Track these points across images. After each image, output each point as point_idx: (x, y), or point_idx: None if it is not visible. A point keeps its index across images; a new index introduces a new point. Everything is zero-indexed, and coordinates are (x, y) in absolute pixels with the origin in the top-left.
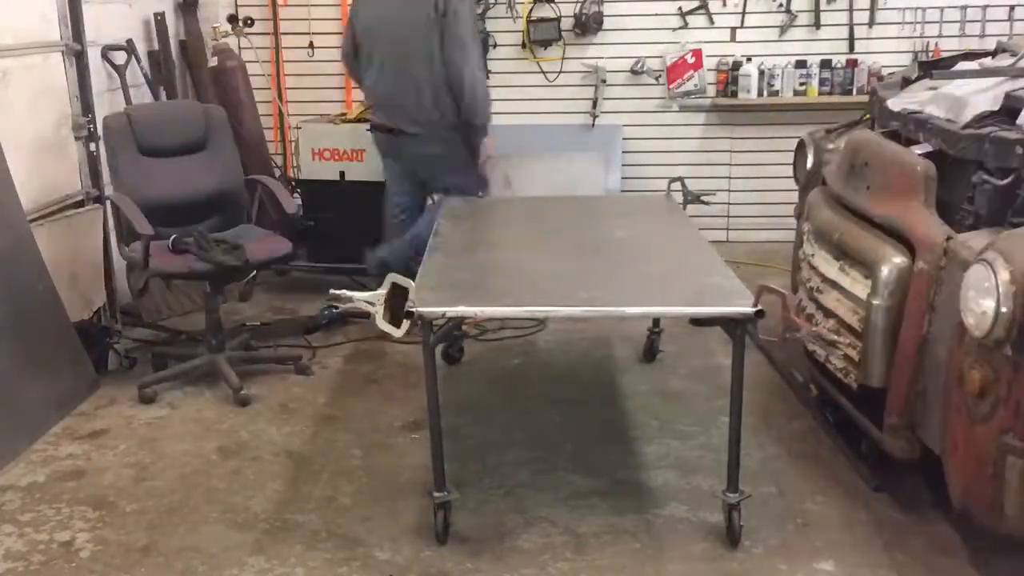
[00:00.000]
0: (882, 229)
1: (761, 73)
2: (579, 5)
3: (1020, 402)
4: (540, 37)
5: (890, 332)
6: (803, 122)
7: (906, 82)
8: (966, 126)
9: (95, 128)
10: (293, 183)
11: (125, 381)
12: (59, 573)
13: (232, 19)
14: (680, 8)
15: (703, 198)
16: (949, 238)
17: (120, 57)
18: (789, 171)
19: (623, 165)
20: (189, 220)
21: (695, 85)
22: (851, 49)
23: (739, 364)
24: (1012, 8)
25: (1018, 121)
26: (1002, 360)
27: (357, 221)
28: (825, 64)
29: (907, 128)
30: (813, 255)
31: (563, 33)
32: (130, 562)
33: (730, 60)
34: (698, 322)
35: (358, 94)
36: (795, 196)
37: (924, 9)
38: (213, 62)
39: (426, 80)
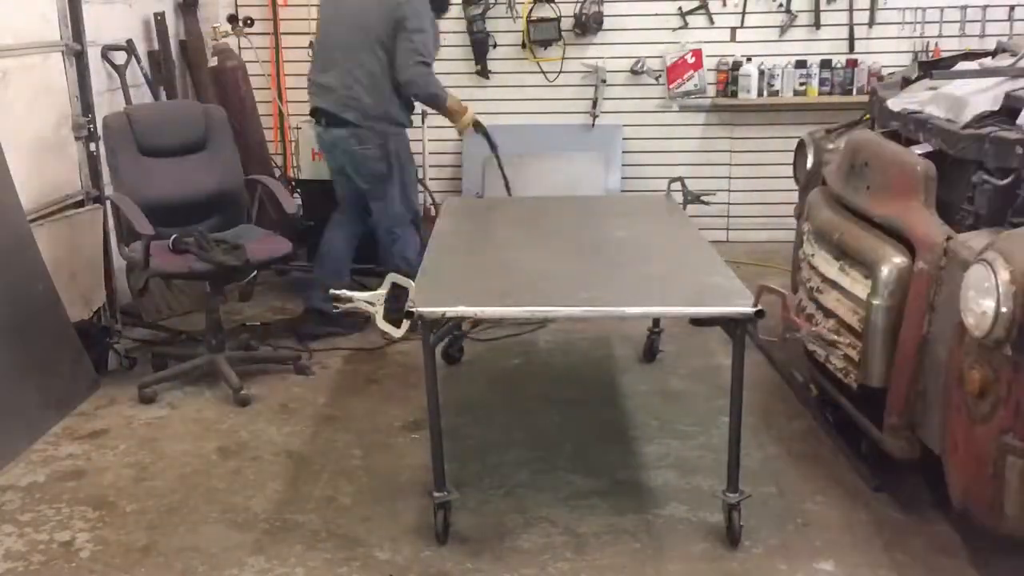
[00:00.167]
0: (882, 229)
1: (761, 73)
2: (579, 5)
3: (1020, 402)
4: (540, 37)
5: (890, 332)
6: (803, 122)
7: (906, 82)
8: (966, 126)
9: (95, 128)
10: (293, 183)
11: (125, 381)
12: (59, 573)
13: (232, 19)
14: (680, 8)
15: (703, 198)
16: (949, 238)
17: (120, 57)
18: (789, 171)
19: (623, 165)
20: (189, 220)
21: (695, 85)
22: (851, 49)
23: (739, 364)
24: (1012, 8)
25: (1018, 121)
26: (1002, 360)
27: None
28: (825, 64)
29: (907, 128)
30: (813, 255)
31: (563, 33)
32: (130, 562)
33: (730, 60)
34: (698, 322)
35: None
36: (795, 196)
37: (924, 9)
38: (213, 62)
39: (369, 72)
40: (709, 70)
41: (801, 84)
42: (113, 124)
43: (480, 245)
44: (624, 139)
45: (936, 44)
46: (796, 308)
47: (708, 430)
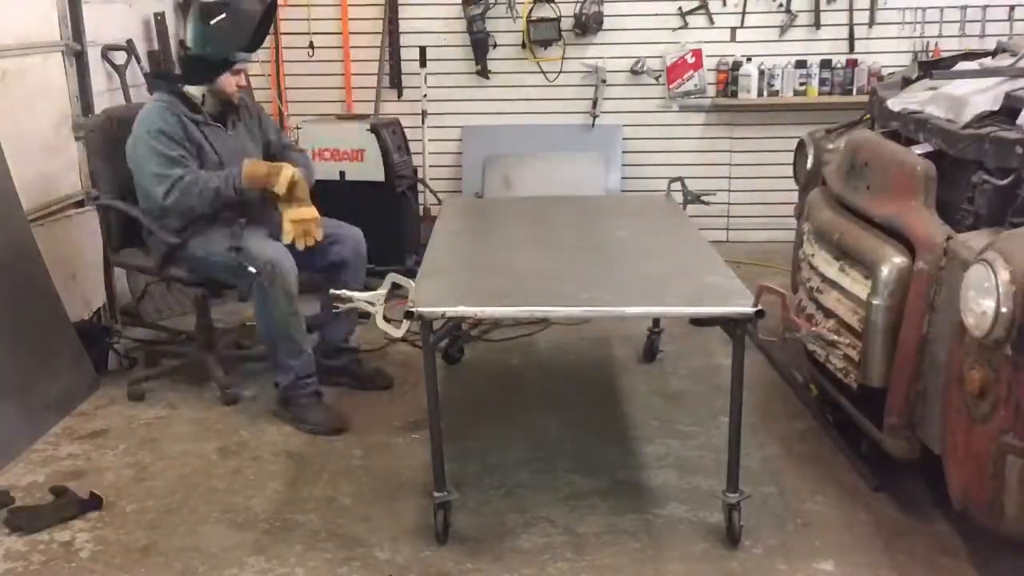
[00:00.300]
0: (882, 229)
1: (761, 73)
2: (579, 5)
3: (1020, 402)
4: (540, 37)
5: (890, 332)
6: (803, 122)
7: (906, 82)
8: (966, 126)
9: None
10: None
11: (125, 381)
12: (59, 573)
13: None
14: (680, 8)
15: (703, 198)
16: (949, 238)
17: (120, 57)
18: (789, 171)
19: (623, 165)
20: None
21: (695, 85)
22: (851, 49)
23: (739, 364)
24: (1012, 8)
25: (1018, 121)
26: (1002, 360)
27: (357, 221)
28: (825, 64)
29: (907, 128)
30: (813, 255)
31: (563, 33)
32: (130, 562)
33: (730, 60)
34: (698, 322)
35: (358, 94)
36: (795, 196)
37: (924, 9)
38: None
39: None
40: (709, 70)
41: (801, 84)
42: (94, 126)
43: (480, 245)
44: (624, 139)
45: (936, 44)
46: (796, 308)
47: (708, 430)
